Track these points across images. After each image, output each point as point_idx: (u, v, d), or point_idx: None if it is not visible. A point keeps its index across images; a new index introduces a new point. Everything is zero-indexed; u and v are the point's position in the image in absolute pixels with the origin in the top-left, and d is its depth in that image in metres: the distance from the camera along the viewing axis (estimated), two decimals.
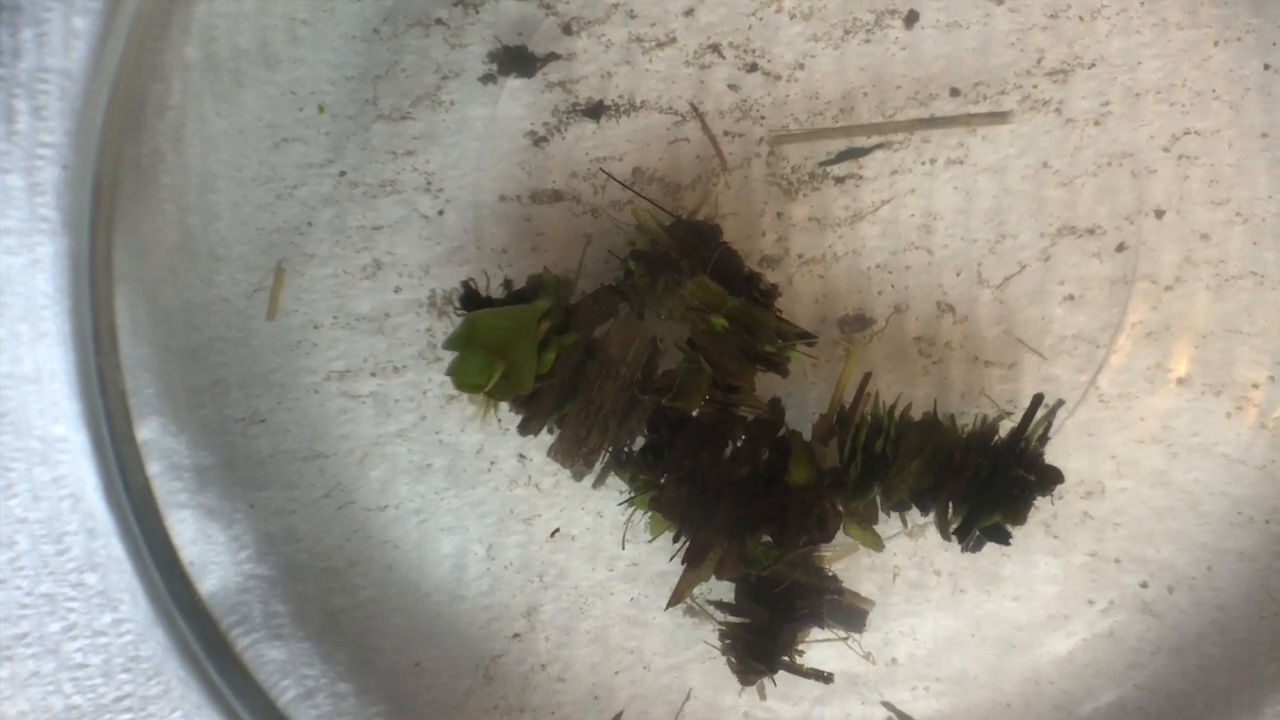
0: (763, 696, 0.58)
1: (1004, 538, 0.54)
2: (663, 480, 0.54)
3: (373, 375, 0.61)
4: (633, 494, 0.56)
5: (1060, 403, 0.56)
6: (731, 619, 0.56)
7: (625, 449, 0.55)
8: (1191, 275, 0.59)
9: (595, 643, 0.61)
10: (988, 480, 0.52)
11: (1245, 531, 0.59)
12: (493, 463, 0.61)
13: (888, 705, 0.60)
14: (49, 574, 0.59)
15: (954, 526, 0.54)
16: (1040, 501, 0.58)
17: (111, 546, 0.58)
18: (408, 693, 0.61)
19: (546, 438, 0.59)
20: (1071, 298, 0.59)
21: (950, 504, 0.54)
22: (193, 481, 0.59)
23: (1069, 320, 0.59)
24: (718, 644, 0.57)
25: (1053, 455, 0.58)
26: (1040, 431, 0.53)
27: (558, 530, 0.61)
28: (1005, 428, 0.54)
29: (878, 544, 0.56)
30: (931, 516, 0.55)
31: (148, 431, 0.58)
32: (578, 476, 0.56)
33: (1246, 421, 0.59)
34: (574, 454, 0.54)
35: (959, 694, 0.60)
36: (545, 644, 0.61)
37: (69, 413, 0.58)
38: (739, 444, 0.54)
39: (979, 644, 0.60)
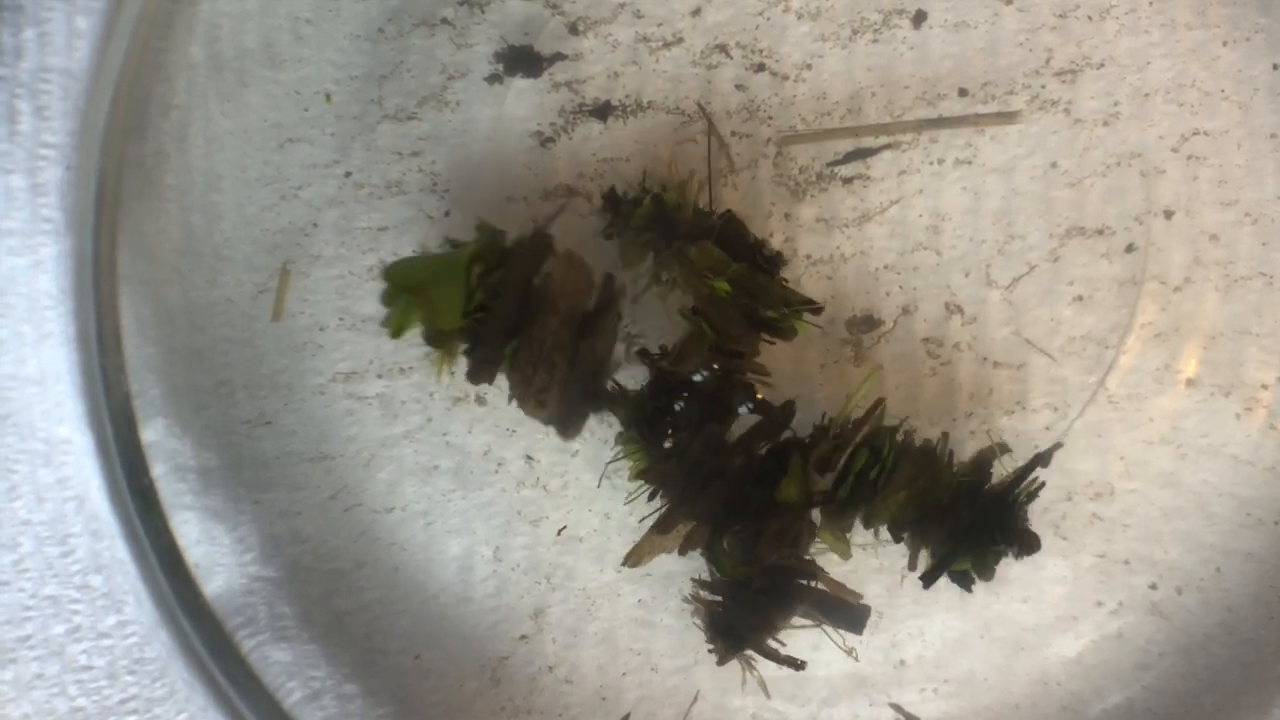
0: (767, 695, 0.57)
1: (967, 584, 0.53)
2: (665, 444, 0.53)
3: (379, 377, 0.59)
4: (621, 437, 0.54)
5: (1058, 445, 0.56)
6: (704, 595, 0.55)
7: (592, 389, 0.54)
8: (1200, 276, 0.58)
9: (603, 644, 0.60)
10: (968, 530, 0.52)
11: (1254, 533, 0.58)
12: (500, 464, 0.60)
13: (895, 707, 0.59)
14: (53, 576, 0.58)
15: (923, 568, 0.53)
16: (1050, 503, 0.58)
17: (116, 548, 0.57)
18: (414, 694, 0.60)
19: (552, 441, 0.59)
20: (1080, 298, 0.58)
21: (923, 539, 0.53)
22: (198, 483, 0.58)
23: (1078, 321, 0.58)
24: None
25: (1062, 456, 0.58)
26: (1032, 489, 0.53)
27: (564, 528, 0.59)
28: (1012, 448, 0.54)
29: (845, 552, 0.55)
30: (913, 554, 0.55)
31: (152, 433, 0.57)
32: (563, 434, 0.54)
33: (1255, 423, 0.58)
34: (525, 395, 0.53)
35: (967, 695, 0.59)
36: (552, 646, 0.60)
37: (73, 414, 0.57)
38: (746, 409, 0.54)
39: (987, 645, 0.59)
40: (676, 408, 0.52)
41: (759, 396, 0.54)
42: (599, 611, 0.60)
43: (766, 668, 0.56)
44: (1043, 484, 0.54)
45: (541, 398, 0.53)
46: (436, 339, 0.53)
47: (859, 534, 0.58)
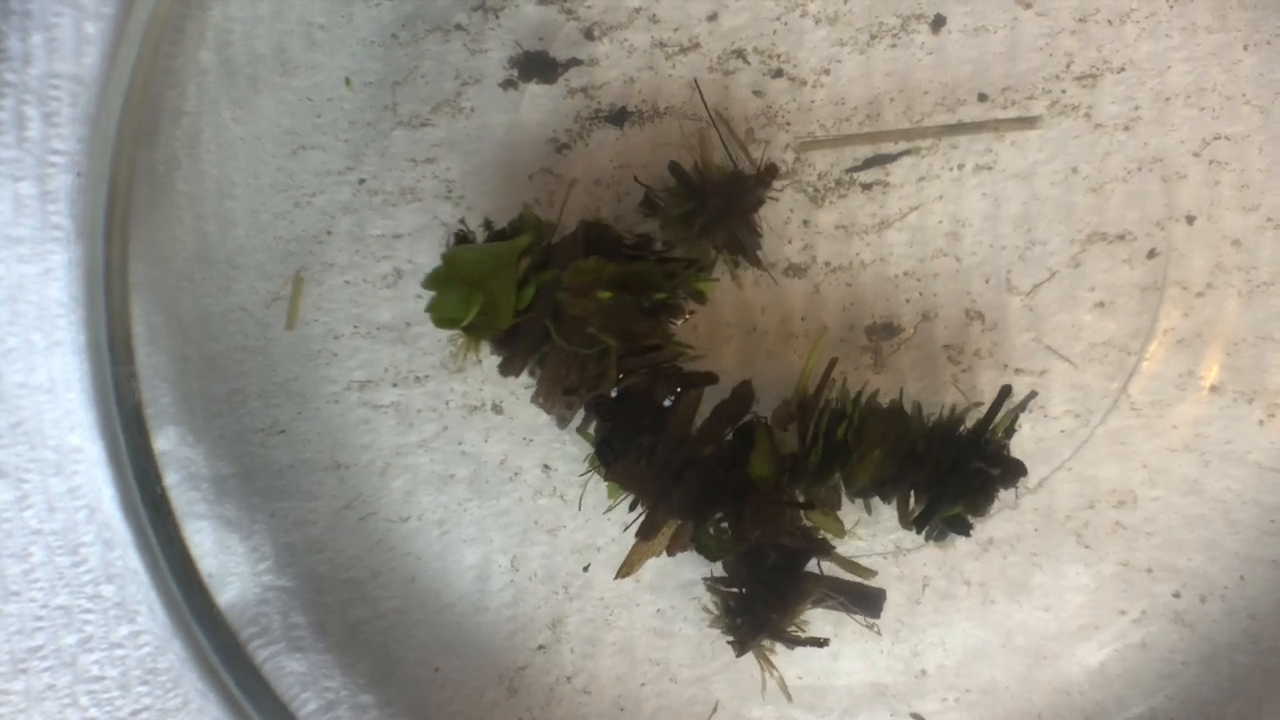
0: (788, 697, 0.55)
1: (965, 529, 0.51)
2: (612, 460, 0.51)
3: (394, 385, 0.57)
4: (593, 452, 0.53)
5: (1033, 394, 0.53)
6: (719, 584, 0.53)
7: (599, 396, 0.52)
8: (1222, 281, 0.55)
9: (621, 654, 0.58)
10: (950, 471, 0.50)
11: (1277, 540, 0.56)
12: (516, 473, 0.57)
13: (917, 716, 0.57)
14: (65, 586, 0.56)
15: (914, 516, 0.51)
16: (1073, 511, 0.56)
17: (128, 558, 0.55)
18: (430, 705, 0.57)
19: (570, 450, 0.57)
20: (1102, 304, 0.56)
21: (912, 493, 0.51)
22: (211, 492, 0.56)
23: (1099, 327, 0.56)
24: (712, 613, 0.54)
25: (1083, 464, 0.56)
26: (1007, 424, 0.51)
27: (589, 566, 0.57)
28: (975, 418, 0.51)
29: (839, 529, 0.53)
30: (902, 509, 0.52)
31: (165, 442, 0.55)
32: (561, 423, 0.53)
33: (1279, 429, 0.55)
34: (554, 394, 0.51)
35: (989, 705, 0.57)
36: (570, 656, 0.58)
37: (84, 423, 0.55)
38: (674, 397, 0.51)
39: (1009, 654, 0.57)
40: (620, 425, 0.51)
41: (682, 371, 0.52)
42: (617, 621, 0.58)
43: (786, 677, 0.54)
44: (1018, 416, 0.51)
45: (570, 400, 0.51)
46: (472, 328, 0.50)
47: (880, 542, 0.56)
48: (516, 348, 0.51)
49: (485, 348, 0.52)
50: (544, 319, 0.50)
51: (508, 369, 0.51)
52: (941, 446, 0.50)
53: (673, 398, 0.51)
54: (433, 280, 0.50)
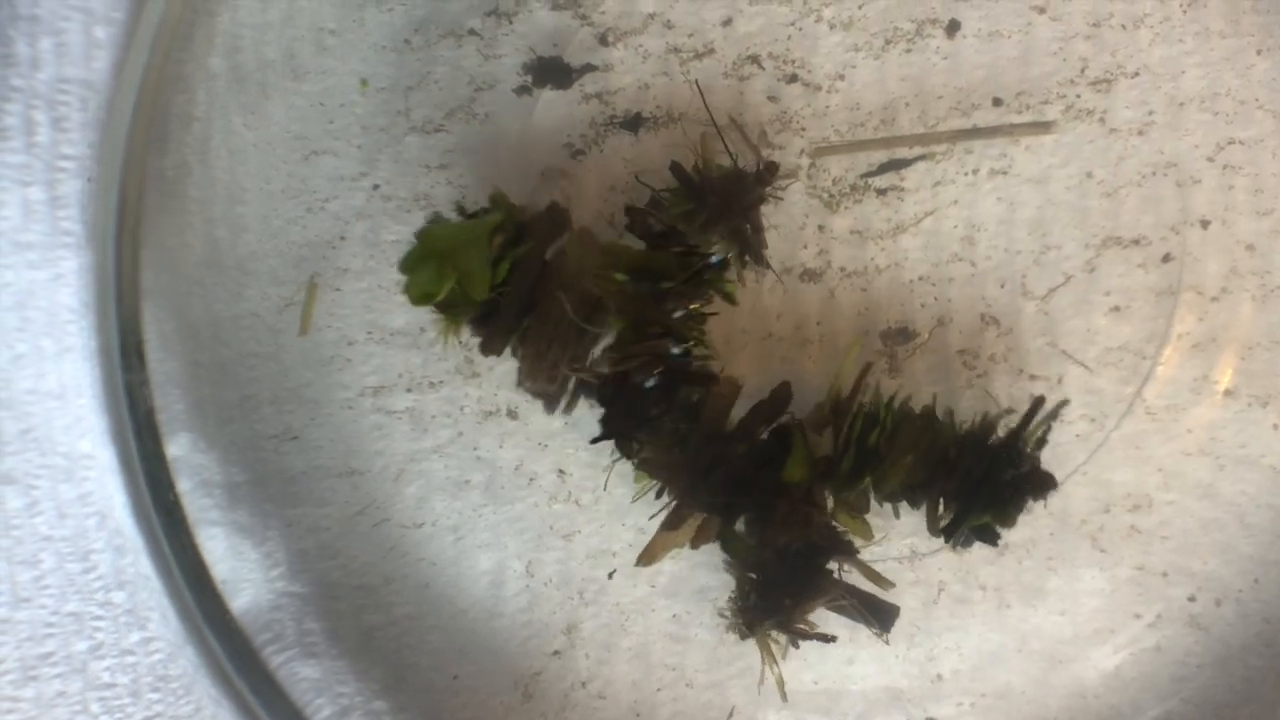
0: (783, 698, 0.54)
1: (993, 539, 0.51)
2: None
3: (408, 391, 0.57)
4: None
5: (1064, 402, 0.52)
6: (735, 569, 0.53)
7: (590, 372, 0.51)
8: (1237, 286, 0.55)
9: (636, 660, 0.57)
10: (980, 481, 0.50)
11: None
12: (532, 479, 0.57)
13: None
14: (75, 592, 0.56)
15: (943, 524, 0.51)
16: (1088, 515, 0.56)
17: (139, 564, 0.55)
18: (445, 711, 0.57)
19: (585, 455, 0.56)
20: (1117, 309, 0.56)
21: (941, 500, 0.51)
22: (224, 498, 0.55)
23: (1114, 332, 0.56)
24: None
25: (1099, 468, 0.56)
26: (1039, 434, 0.50)
27: (614, 572, 0.57)
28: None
29: (867, 533, 0.53)
30: (931, 515, 0.52)
31: (177, 448, 0.55)
32: (549, 406, 0.53)
33: None
34: (538, 370, 0.50)
35: (1004, 709, 0.57)
36: (585, 661, 0.57)
37: (95, 429, 0.54)
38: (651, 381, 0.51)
39: (1024, 659, 0.56)
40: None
41: (663, 368, 0.51)
42: (632, 626, 0.57)
43: (800, 681, 0.54)
44: (1050, 427, 0.51)
45: (553, 374, 0.51)
46: (449, 307, 0.50)
47: (895, 546, 0.56)
48: (495, 326, 0.51)
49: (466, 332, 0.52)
50: (520, 294, 0.50)
51: (489, 349, 0.51)
52: (973, 456, 0.50)
53: (654, 380, 0.50)
54: (408, 261, 0.50)
